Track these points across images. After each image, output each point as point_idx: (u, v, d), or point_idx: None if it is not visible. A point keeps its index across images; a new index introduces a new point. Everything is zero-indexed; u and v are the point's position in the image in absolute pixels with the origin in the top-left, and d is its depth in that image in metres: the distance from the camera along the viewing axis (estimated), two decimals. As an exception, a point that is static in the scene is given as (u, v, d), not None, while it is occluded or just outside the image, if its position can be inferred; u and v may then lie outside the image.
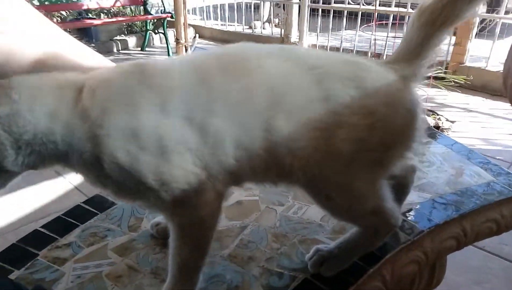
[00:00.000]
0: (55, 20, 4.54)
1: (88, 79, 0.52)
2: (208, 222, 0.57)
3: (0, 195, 1.72)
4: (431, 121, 2.43)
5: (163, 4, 4.51)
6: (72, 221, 0.78)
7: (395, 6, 3.16)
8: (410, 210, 0.81)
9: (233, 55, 0.56)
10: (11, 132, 0.48)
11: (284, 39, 4.12)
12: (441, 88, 2.73)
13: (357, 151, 0.55)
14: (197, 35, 4.69)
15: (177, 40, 4.37)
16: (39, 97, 0.50)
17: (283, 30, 4.23)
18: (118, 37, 4.62)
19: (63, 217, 0.79)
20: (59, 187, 1.81)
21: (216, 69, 0.54)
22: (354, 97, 0.54)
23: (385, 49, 3.15)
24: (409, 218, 0.78)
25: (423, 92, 2.66)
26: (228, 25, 4.71)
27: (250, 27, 4.62)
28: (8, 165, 0.49)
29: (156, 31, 4.73)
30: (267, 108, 0.53)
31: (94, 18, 4.21)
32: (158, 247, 0.71)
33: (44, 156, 0.51)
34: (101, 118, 0.49)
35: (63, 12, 4.57)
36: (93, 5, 4.01)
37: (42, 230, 0.75)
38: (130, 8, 4.65)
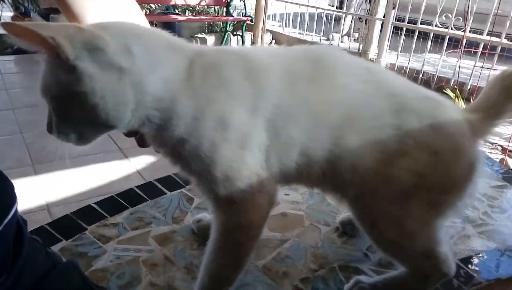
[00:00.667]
0: (144, 11, 4.86)
1: (197, 54, 0.51)
2: (253, 229, 0.55)
3: (72, 166, 1.87)
4: (511, 163, 2.20)
5: (245, 7, 4.62)
6: (123, 202, 0.81)
7: (487, 34, 2.93)
8: (470, 257, 0.73)
9: (324, 66, 0.56)
10: (137, 91, 0.45)
11: (361, 55, 4.01)
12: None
13: (415, 186, 0.54)
14: (274, 41, 4.74)
15: (253, 44, 4.45)
16: (156, 56, 0.47)
17: (361, 46, 4.12)
18: (198, 35, 4.82)
19: (116, 197, 0.83)
20: (124, 169, 1.91)
21: (306, 76, 0.54)
22: (425, 133, 0.54)
23: (470, 78, 2.93)
24: (468, 266, 0.71)
25: (507, 130, 2.43)
26: (306, 34, 4.70)
27: (328, 39, 4.56)
28: (119, 124, 0.47)
29: (235, 33, 4.86)
30: (342, 124, 0.53)
31: (179, 14, 4.43)
32: (196, 244, 0.71)
33: (143, 121, 0.48)
34: (204, 104, 0.49)
35: (152, 5, 4.88)
36: (180, 2, 4.22)
37: (95, 206, 0.79)
38: (214, 8, 4.83)
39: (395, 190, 0.54)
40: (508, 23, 2.80)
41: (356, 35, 4.62)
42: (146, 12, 4.84)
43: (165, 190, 0.85)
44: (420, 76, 3.26)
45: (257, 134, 0.51)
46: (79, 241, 0.70)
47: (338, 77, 0.55)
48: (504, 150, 2.35)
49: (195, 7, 4.76)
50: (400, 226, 0.56)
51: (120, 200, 0.82)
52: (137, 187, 0.86)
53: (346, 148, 0.53)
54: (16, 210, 0.48)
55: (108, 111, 0.45)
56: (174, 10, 4.57)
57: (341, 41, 4.72)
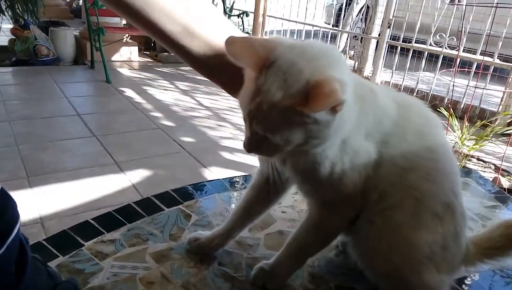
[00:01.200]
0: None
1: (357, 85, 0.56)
2: (343, 223, 0.64)
3: (67, 180, 1.86)
4: (505, 182, 2.22)
5: (242, 23, 4.69)
6: (121, 218, 0.81)
7: (480, 54, 2.98)
8: (465, 278, 0.74)
9: (424, 120, 0.63)
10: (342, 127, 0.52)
11: (357, 72, 4.07)
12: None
13: None
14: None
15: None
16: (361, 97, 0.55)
17: (357, 63, 4.18)
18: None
19: (113, 213, 0.83)
20: (119, 183, 1.91)
21: (411, 129, 0.61)
22: None
23: (463, 97, 2.98)
24: (462, 287, 0.71)
25: (500, 149, 2.46)
26: (303, 51, 4.78)
27: (324, 56, 4.64)
28: (316, 146, 0.53)
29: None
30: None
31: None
32: (193, 262, 0.71)
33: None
34: (354, 130, 0.56)
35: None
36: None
37: (92, 222, 0.79)
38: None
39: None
40: (500, 43, 2.86)
41: (352, 52, 4.68)
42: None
43: (162, 206, 0.86)
44: (414, 94, 3.30)
45: (366, 156, 0.58)
46: (76, 257, 0.69)
47: (430, 133, 0.63)
48: (497, 169, 2.38)
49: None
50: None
51: (118, 216, 0.82)
52: (134, 203, 0.86)
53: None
54: (19, 228, 0.47)
55: (328, 140, 0.52)
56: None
57: (337, 58, 4.77)
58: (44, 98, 3.01)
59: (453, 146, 2.45)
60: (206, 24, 0.58)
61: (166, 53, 4.59)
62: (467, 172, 1.17)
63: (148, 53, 4.87)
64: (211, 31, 0.57)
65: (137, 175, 2.00)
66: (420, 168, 0.60)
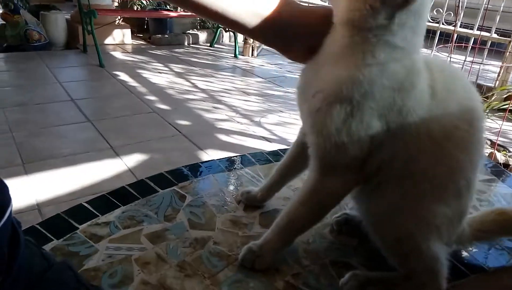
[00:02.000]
0: (135, 7, 4.83)
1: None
2: (339, 196, 0.64)
3: (63, 165, 1.85)
4: (500, 157, 2.23)
5: (237, 3, 4.62)
6: (115, 201, 0.81)
7: (478, 29, 2.95)
8: (459, 251, 0.74)
9: (467, 93, 0.63)
10: None
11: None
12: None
13: None
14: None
15: (245, 40, 4.44)
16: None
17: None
18: (190, 31, 4.80)
19: (107, 195, 0.82)
20: (115, 167, 1.91)
21: (453, 101, 0.60)
22: None
23: (460, 73, 2.96)
24: (457, 259, 0.72)
25: (496, 125, 2.46)
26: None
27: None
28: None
29: (227, 29, 4.85)
30: None
31: (171, 10, 4.41)
32: (188, 242, 0.71)
33: None
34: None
35: (144, 1, 4.84)
36: (172, -2, 4.21)
37: (86, 205, 0.79)
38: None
39: None
40: (498, 18, 2.83)
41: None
42: (137, 8, 4.79)
43: (157, 188, 0.85)
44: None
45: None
46: (70, 240, 0.69)
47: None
48: (493, 144, 2.38)
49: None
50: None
51: (112, 198, 0.81)
52: (128, 185, 0.86)
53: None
54: (11, 212, 0.47)
55: None
56: (166, 6, 4.53)
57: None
58: (37, 84, 2.98)
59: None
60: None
61: (159, 35, 4.52)
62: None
63: (142, 35, 4.80)
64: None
65: (133, 159, 2.00)
66: (457, 139, 0.59)
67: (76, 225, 0.73)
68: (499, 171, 1.06)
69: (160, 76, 3.45)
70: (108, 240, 0.70)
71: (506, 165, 2.23)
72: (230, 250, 0.70)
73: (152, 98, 2.94)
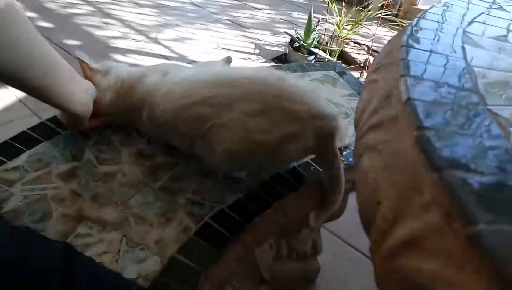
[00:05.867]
0: None
1: None
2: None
3: None
4: (374, 62, 2.56)
5: None
6: (19, 146, 0.85)
7: None
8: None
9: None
10: None
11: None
12: (390, 30, 2.83)
13: None
14: None
15: None
16: None
17: None
18: None
19: (11, 141, 0.86)
20: (4, 98, 1.79)
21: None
22: None
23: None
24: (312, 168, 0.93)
25: (371, 31, 2.76)
26: None
27: None
28: None
29: None
30: None
31: None
32: (99, 176, 0.81)
33: None
34: None
35: None
36: None
37: (-10, 153, 0.82)
38: None
39: None
40: None
41: None
42: None
43: (59, 130, 0.90)
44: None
45: None
46: (-17, 188, 0.75)
47: None
48: (369, 50, 2.69)
49: None
50: None
51: (16, 144, 0.85)
52: (29, 129, 0.89)
53: None
54: None
55: None
56: None
57: None
58: None
59: (332, 32, 2.67)
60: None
61: None
62: (332, 66, 1.37)
63: None
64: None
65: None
66: None
67: (-15, 173, 0.78)
68: (358, 87, 1.29)
69: (35, -14, 3.03)
70: (21, 183, 0.77)
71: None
72: (138, 179, 0.82)
73: (32, 15, 2.63)
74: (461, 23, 0.67)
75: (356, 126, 0.43)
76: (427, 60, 0.48)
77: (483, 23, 0.69)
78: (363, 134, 0.38)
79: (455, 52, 0.52)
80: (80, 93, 0.78)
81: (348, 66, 2.64)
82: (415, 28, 0.60)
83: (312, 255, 1.19)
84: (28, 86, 0.65)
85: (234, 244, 0.75)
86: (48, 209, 0.73)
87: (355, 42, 2.85)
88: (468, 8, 0.76)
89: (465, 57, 0.49)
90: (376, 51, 2.69)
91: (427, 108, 0.34)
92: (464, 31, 0.61)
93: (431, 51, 0.51)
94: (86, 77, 0.86)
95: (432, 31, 0.61)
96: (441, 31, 0.61)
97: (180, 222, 0.75)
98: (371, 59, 2.58)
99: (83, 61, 0.87)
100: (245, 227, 0.77)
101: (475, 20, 0.68)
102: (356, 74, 2.46)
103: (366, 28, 2.80)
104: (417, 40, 0.55)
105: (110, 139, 0.91)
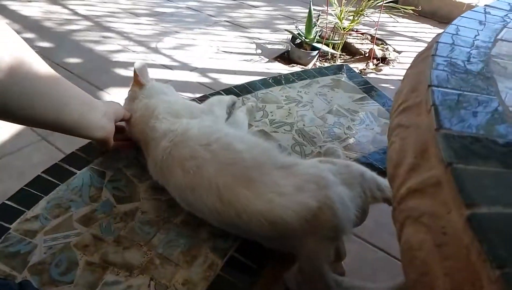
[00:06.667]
0: None
1: None
2: None
3: None
4: (378, 52, 2.51)
5: None
6: (36, 192, 0.85)
7: None
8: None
9: None
10: None
11: None
12: (392, 16, 2.77)
13: None
14: None
15: None
16: None
17: None
18: None
19: (26, 188, 0.86)
20: (11, 126, 1.78)
21: None
22: None
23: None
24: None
25: (372, 19, 2.70)
26: None
27: None
28: None
29: None
30: None
31: None
32: (119, 217, 0.81)
33: None
34: None
35: None
36: None
37: (9, 203, 0.82)
38: None
39: None
40: None
41: None
42: None
43: (73, 170, 0.90)
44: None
45: None
46: (7, 241, 0.75)
47: None
48: (373, 39, 2.64)
49: None
50: None
51: (31, 190, 0.85)
52: (43, 172, 0.89)
53: None
54: None
55: None
56: None
57: None
58: None
59: (334, 26, 2.62)
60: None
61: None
62: (338, 68, 1.34)
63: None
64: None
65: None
66: None
67: (7, 225, 0.78)
68: (368, 88, 1.27)
69: (31, 6, 3.01)
70: (43, 233, 0.77)
71: (383, 58, 2.53)
72: (158, 215, 0.82)
73: (29, 35, 2.62)
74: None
75: (391, 181, 0.40)
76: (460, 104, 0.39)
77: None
78: (402, 199, 0.35)
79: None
80: (97, 121, 0.76)
81: (352, 57, 2.59)
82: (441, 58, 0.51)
83: (336, 262, 1.18)
84: (45, 124, 0.64)
85: (262, 276, 0.75)
86: (73, 259, 0.73)
87: (357, 32, 2.79)
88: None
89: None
90: (381, 40, 2.63)
91: (474, 176, 0.28)
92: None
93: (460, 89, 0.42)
94: (131, 89, 0.94)
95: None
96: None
97: (206, 258, 0.75)
98: (376, 48, 2.53)
99: (136, 74, 0.93)
100: (270, 257, 0.76)
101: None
102: (361, 65, 2.42)
103: (367, 17, 2.74)
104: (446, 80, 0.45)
105: (125, 174, 0.90)
